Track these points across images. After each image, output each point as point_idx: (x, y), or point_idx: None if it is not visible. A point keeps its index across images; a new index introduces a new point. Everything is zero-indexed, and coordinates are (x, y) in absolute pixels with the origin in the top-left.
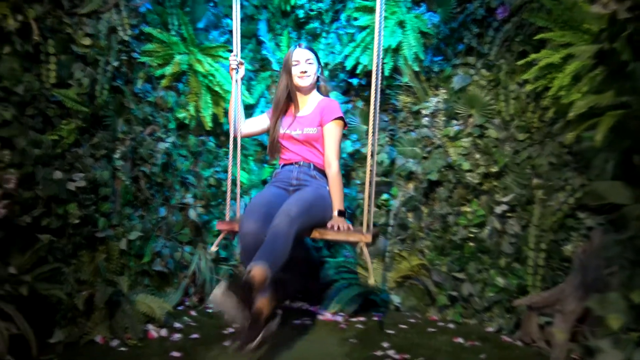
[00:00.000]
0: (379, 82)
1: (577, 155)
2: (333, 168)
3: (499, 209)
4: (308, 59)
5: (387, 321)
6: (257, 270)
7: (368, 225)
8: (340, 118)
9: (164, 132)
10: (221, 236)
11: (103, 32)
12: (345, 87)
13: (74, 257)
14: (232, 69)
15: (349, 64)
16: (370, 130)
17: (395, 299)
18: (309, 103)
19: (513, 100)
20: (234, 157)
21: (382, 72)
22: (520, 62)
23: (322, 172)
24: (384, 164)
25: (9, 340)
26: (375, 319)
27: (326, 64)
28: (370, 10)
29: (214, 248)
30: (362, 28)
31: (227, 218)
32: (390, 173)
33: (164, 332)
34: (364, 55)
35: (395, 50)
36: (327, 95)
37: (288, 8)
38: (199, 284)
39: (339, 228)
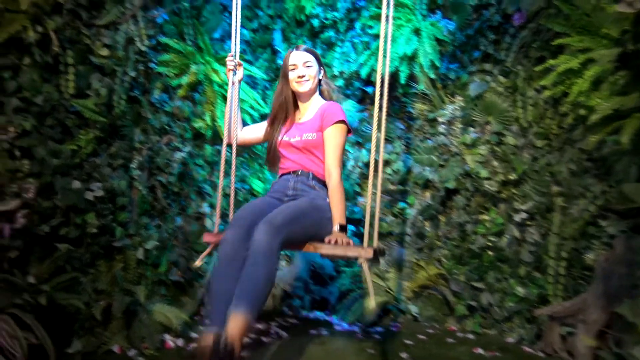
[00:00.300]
0: (385, 89)
1: (598, 161)
2: (334, 177)
3: (518, 217)
4: (306, 62)
5: (405, 331)
6: (235, 323)
7: (370, 239)
8: (343, 122)
9: (180, 142)
10: (208, 249)
11: (121, 43)
12: (360, 96)
13: (92, 267)
14: (229, 70)
15: (364, 72)
16: (374, 139)
17: (413, 308)
18: (311, 109)
19: (531, 107)
20: (228, 165)
21: (397, 80)
22: (538, 68)
23: (323, 182)
24: (400, 172)
25: (28, 350)
26: (393, 329)
27: (341, 73)
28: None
29: (198, 263)
30: (377, 36)
31: (216, 230)
32: (406, 181)
33: (180, 342)
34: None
35: (411, 58)
36: (331, 99)
37: (303, 17)
38: None
39: (336, 242)
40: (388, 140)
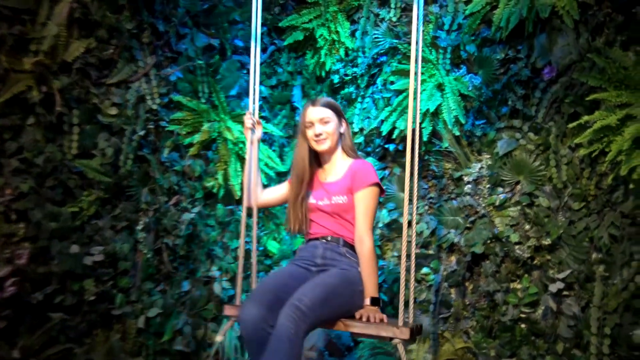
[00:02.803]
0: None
1: None
2: (366, 244)
3: (553, 287)
4: (323, 118)
5: None
6: None
7: (405, 317)
8: (376, 184)
9: (190, 202)
10: (229, 323)
11: (131, 102)
12: (381, 153)
13: (88, 337)
14: (247, 128)
15: (385, 129)
16: (406, 199)
17: None
18: (337, 166)
19: (565, 166)
20: (249, 229)
21: (420, 136)
22: (571, 125)
23: (354, 249)
24: (423, 234)
25: None
26: None
27: (361, 129)
28: (407, 74)
29: (219, 338)
30: (399, 92)
31: (238, 301)
32: (430, 244)
33: None
34: (401, 120)
35: (434, 114)
36: (352, 151)
37: (323, 74)
38: None
39: (368, 319)
40: (410, 200)
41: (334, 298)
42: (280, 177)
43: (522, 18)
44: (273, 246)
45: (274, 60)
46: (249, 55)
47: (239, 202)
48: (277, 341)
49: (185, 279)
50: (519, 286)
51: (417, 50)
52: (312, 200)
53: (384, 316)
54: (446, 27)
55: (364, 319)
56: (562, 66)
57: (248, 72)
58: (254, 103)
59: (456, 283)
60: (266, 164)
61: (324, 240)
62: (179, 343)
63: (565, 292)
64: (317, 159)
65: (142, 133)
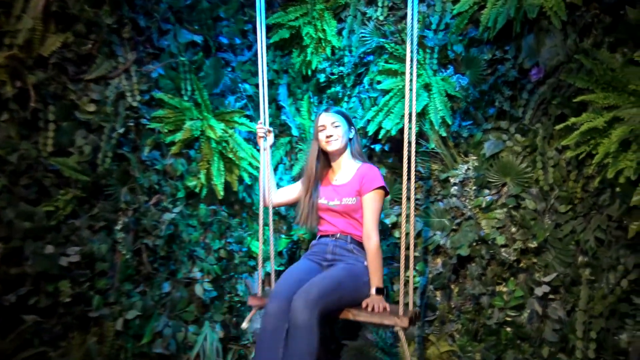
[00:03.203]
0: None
1: (629, 229)
2: (373, 241)
3: (539, 290)
4: (334, 122)
5: None
6: None
7: (405, 306)
8: (382, 187)
9: (171, 202)
10: (252, 312)
11: (110, 98)
12: (367, 153)
13: (64, 340)
14: (260, 137)
15: (371, 129)
16: (404, 195)
17: None
18: (345, 168)
19: (552, 168)
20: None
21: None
22: (558, 127)
23: (361, 245)
24: (407, 237)
25: None
26: None
27: None
28: (394, 74)
29: (245, 324)
30: (386, 92)
31: (259, 293)
32: (415, 247)
33: None
34: (387, 120)
35: (421, 115)
36: (360, 156)
37: (309, 72)
38: None
39: (373, 309)
40: (395, 201)
41: (339, 288)
42: None
43: (509, 18)
44: (256, 246)
45: None
46: (233, 52)
47: (222, 202)
48: (294, 329)
49: (165, 280)
50: (504, 289)
51: (412, 52)
52: (323, 200)
53: (387, 305)
54: (433, 26)
55: (369, 309)
56: (550, 67)
57: (233, 70)
58: (264, 113)
59: (442, 286)
60: (249, 163)
61: (334, 238)
62: (158, 346)
63: (551, 296)
64: (327, 162)
65: (121, 131)
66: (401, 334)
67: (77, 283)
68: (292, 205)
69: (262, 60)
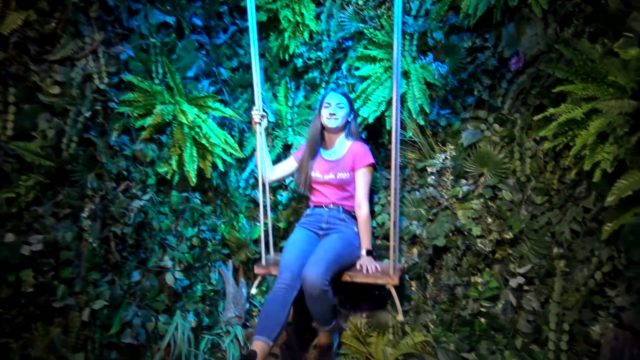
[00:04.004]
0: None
1: (604, 222)
2: (363, 210)
3: (514, 282)
4: (339, 103)
5: None
6: (322, 337)
7: (394, 267)
8: (372, 164)
9: (140, 189)
10: (259, 279)
11: (76, 80)
12: None
13: (26, 331)
14: (256, 122)
15: None
16: (393, 164)
17: None
18: (337, 145)
19: (529, 159)
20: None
21: (383, 125)
22: (537, 117)
23: (350, 214)
24: (385, 225)
25: None
26: None
27: None
28: (373, 60)
29: (253, 290)
30: (364, 78)
31: (263, 262)
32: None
33: None
34: (365, 107)
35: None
36: (356, 136)
37: (287, 57)
38: (174, 358)
39: (367, 270)
40: (372, 190)
41: (340, 256)
42: (240, 163)
43: (490, 6)
44: (228, 233)
45: (235, 42)
46: (208, 34)
47: (194, 188)
48: (311, 296)
49: (135, 269)
50: (479, 280)
51: (397, 48)
52: (318, 174)
53: (377, 265)
54: (413, 12)
55: (364, 270)
56: (530, 57)
57: (207, 53)
58: (258, 99)
59: (417, 276)
60: (223, 150)
61: (327, 208)
62: (127, 336)
63: (525, 287)
64: (322, 136)
65: (88, 114)
66: (393, 291)
67: (40, 272)
68: (287, 178)
69: (255, 50)
